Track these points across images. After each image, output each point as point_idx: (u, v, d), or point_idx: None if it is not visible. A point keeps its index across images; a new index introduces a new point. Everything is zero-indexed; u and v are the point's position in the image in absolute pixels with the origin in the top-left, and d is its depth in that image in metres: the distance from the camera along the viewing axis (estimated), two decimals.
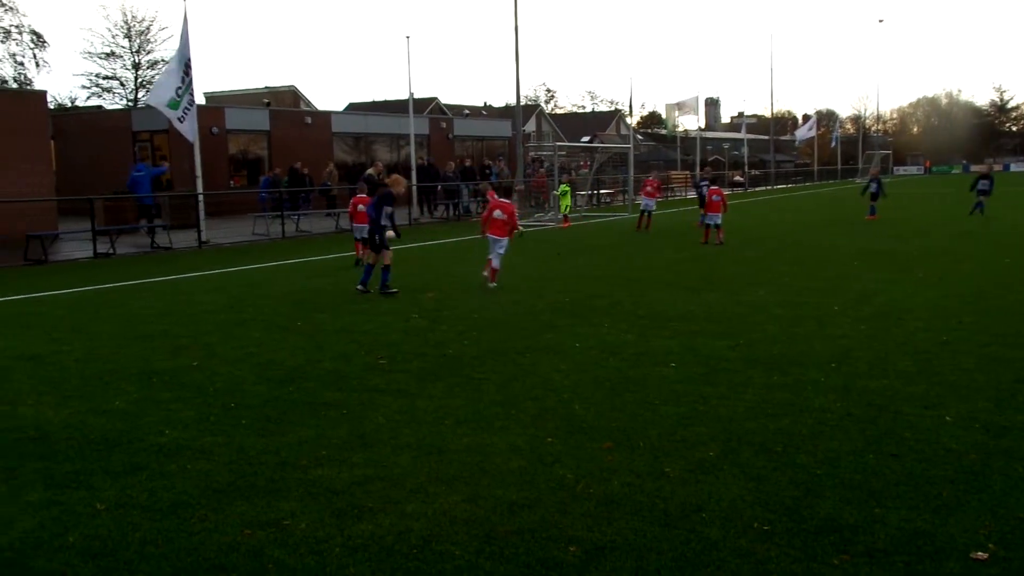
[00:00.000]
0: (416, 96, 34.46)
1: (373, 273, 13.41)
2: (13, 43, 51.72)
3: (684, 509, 4.92)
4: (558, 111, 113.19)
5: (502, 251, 14.01)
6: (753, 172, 66.91)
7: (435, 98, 75.66)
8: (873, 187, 28.48)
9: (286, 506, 5.05)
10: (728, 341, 9.32)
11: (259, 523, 4.83)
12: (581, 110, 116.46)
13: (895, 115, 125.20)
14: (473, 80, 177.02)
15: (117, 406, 7.25)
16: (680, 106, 59.02)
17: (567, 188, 28.59)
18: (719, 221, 20.88)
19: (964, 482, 5.26)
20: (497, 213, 14.10)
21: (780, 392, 7.30)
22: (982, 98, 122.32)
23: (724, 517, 4.81)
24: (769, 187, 63.99)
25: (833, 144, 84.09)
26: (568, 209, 28.42)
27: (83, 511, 5.04)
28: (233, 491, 5.30)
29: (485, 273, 14.02)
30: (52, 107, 38.94)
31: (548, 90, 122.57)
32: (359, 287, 13.28)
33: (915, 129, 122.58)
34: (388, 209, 13.30)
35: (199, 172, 23.36)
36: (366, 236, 17.85)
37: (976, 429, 6.25)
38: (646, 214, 25.19)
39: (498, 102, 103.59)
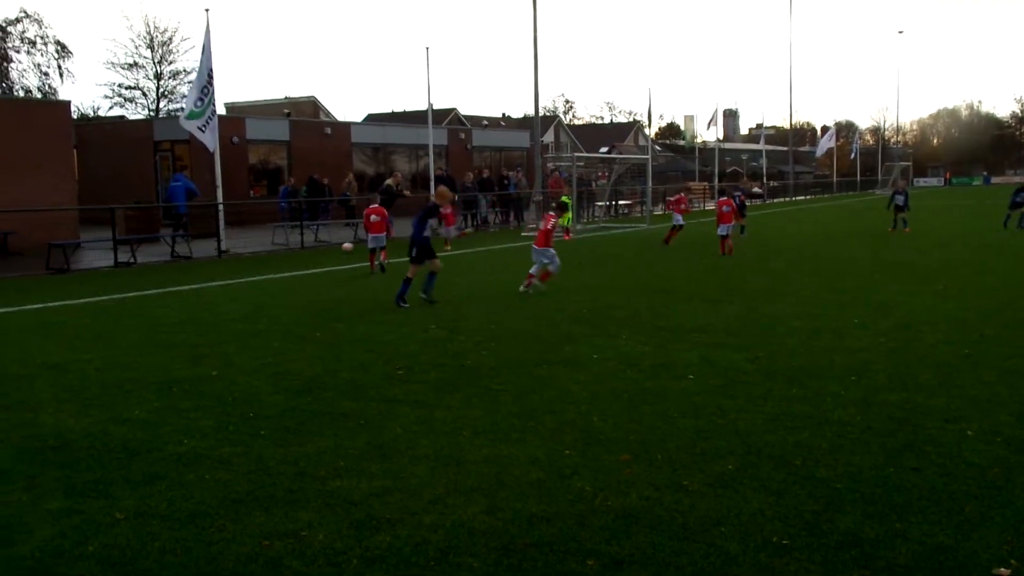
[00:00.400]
0: (435, 107, 34.56)
1: (412, 286, 13.18)
2: (39, 54, 52.23)
3: (703, 523, 4.90)
4: (576, 122, 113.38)
5: (546, 260, 14.23)
6: (772, 183, 66.72)
7: (454, 109, 76.00)
8: (900, 200, 28.10)
9: (304, 517, 5.05)
10: (747, 353, 9.28)
11: (277, 534, 4.84)
12: (599, 121, 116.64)
13: (915, 126, 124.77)
14: (492, 91, 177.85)
15: (137, 415, 7.29)
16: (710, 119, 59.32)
17: (568, 200, 28.20)
18: (728, 232, 21.03)
19: (987, 497, 5.21)
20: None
21: (799, 405, 7.26)
22: (1003, 109, 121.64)
23: (743, 531, 4.79)
24: (788, 198, 63.78)
25: (853, 156, 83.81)
26: (569, 222, 27.81)
27: (103, 520, 5.07)
28: (251, 501, 5.31)
29: (536, 282, 14.23)
30: (75, 117, 39.26)
31: (567, 101, 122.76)
32: (399, 301, 12.93)
33: (935, 140, 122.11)
34: (432, 222, 13.47)
35: (219, 182, 23.51)
36: (383, 246, 17.99)
37: (998, 443, 6.19)
38: (676, 228, 24.41)
39: (516, 113, 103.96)
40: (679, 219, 24.45)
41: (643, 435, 6.51)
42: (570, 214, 27.98)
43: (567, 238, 26.93)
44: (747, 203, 24.90)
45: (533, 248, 14.48)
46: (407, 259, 13.52)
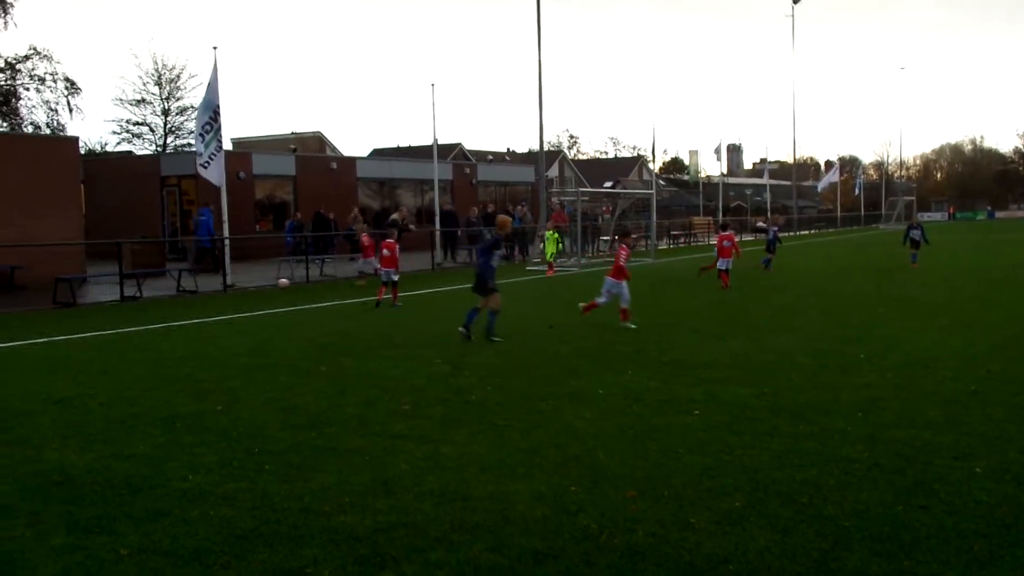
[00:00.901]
0: (440, 142, 34.75)
1: (478, 317, 13.18)
2: (48, 90, 52.57)
3: (710, 561, 4.86)
4: (581, 157, 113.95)
5: (616, 292, 14.43)
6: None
7: (459, 144, 76.32)
8: (916, 234, 27.50)
9: (309, 553, 5.03)
10: (753, 389, 9.26)
11: (282, 571, 4.81)
12: (604, 156, 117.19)
13: (918, 161, 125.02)
14: (496, 126, 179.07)
15: (141, 450, 7.27)
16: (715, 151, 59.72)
17: (553, 235, 27.56)
18: (727, 266, 21.07)
19: (996, 535, 5.17)
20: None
21: (806, 441, 7.22)
22: (1006, 144, 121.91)
23: (751, 569, 4.75)
24: (792, 233, 63.83)
25: (857, 192, 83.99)
26: (553, 256, 27.44)
27: (106, 556, 5.04)
28: (256, 538, 5.29)
29: (627, 323, 14.19)
30: (83, 152, 39.51)
31: (571, 136, 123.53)
32: (462, 329, 13.01)
33: (939, 175, 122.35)
34: (500, 252, 13.66)
35: (225, 217, 23.61)
36: (394, 280, 18.01)
37: (1008, 481, 6.15)
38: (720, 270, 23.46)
39: (521, 148, 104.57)
40: (727, 263, 22.12)
41: (649, 471, 6.49)
42: (553, 247, 27.57)
43: (549, 274, 26.53)
44: (779, 238, 25.40)
45: (607, 279, 14.60)
46: (473, 291, 13.54)
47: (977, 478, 6.22)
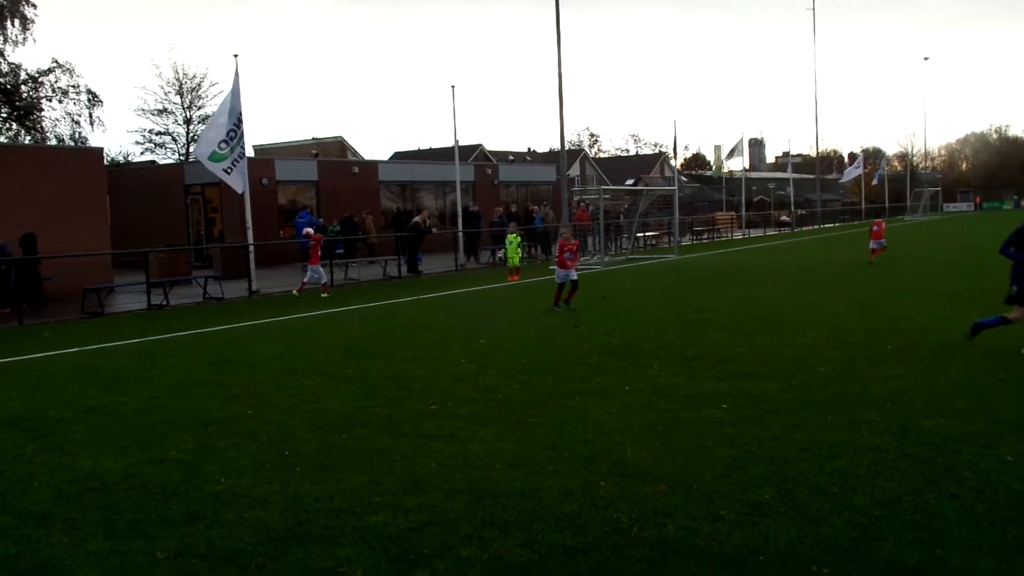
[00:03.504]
0: (461, 143, 34.85)
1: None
2: (70, 103, 53.12)
3: (741, 552, 4.88)
4: (602, 155, 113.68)
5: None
6: (800, 212, 66.46)
7: (480, 145, 76.49)
8: None
9: (342, 553, 5.08)
10: (780, 383, 9.24)
11: (316, 570, 4.87)
12: (625, 153, 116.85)
13: (943, 152, 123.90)
14: (517, 126, 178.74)
15: (174, 456, 7.36)
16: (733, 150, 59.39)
17: (516, 238, 25.61)
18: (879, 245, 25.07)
19: None
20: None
21: (834, 433, 7.21)
22: None
23: (782, 560, 4.76)
24: (816, 226, 63.50)
25: (876, 183, 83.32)
26: (517, 260, 25.51)
27: (144, 560, 5.12)
28: (289, 538, 5.35)
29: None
30: (107, 163, 39.91)
31: (592, 134, 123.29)
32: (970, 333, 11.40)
33: (964, 165, 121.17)
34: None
35: (249, 223, 23.78)
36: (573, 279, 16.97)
37: None
38: (878, 249, 25.93)
39: (542, 147, 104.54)
40: (880, 243, 25.99)
41: (678, 466, 6.50)
42: (515, 254, 25.56)
43: (513, 279, 24.81)
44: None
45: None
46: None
47: (1008, 466, 6.20)
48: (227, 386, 10.33)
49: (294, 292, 22.60)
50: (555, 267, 16.72)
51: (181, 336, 15.38)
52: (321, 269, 22.35)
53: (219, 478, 6.65)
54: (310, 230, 24.26)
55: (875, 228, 26.51)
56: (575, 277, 16.58)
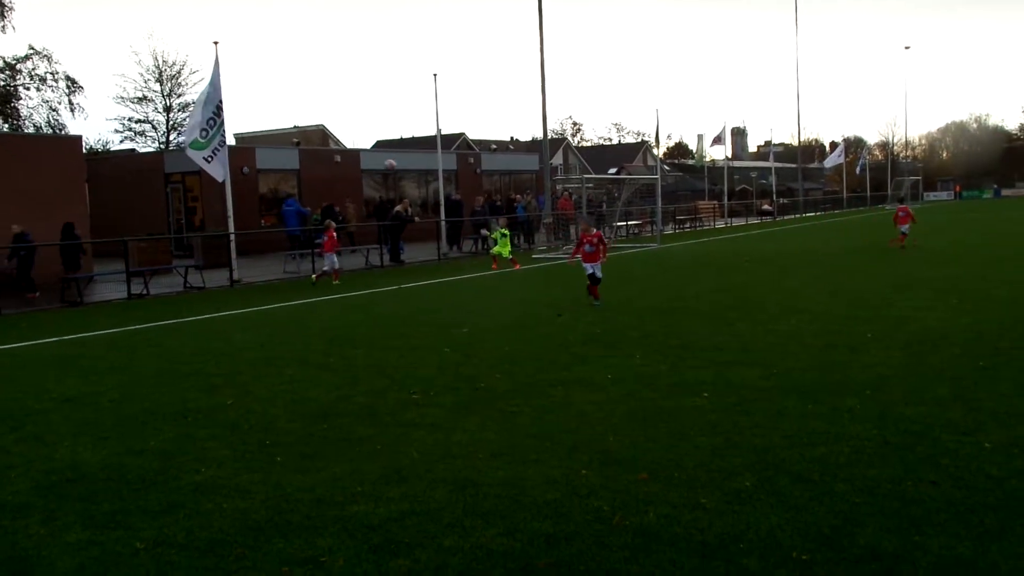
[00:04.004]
0: (444, 132, 34.74)
1: None
2: (48, 90, 52.65)
3: (722, 540, 4.89)
4: (585, 144, 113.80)
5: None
6: (782, 200, 66.65)
7: (462, 134, 76.34)
8: None
9: (323, 543, 5.06)
10: (761, 370, 9.27)
11: (297, 560, 4.84)
12: (608, 142, 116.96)
13: (923, 141, 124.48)
14: (500, 115, 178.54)
15: (153, 446, 7.32)
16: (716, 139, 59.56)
17: (504, 232, 25.66)
18: (906, 230, 25.97)
19: (1006, 508, 5.19)
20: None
21: (815, 421, 7.24)
22: (1012, 121, 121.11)
23: (763, 547, 4.77)
24: (798, 215, 63.72)
25: (859, 171, 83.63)
26: (507, 254, 25.29)
27: (123, 551, 5.08)
28: (270, 528, 5.32)
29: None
30: (86, 151, 39.59)
31: (574, 123, 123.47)
32: None
33: (944, 154, 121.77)
34: None
35: (230, 212, 23.65)
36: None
37: (1016, 455, 6.16)
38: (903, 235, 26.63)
39: (525, 136, 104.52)
40: (904, 228, 26.75)
41: (660, 454, 6.51)
42: (506, 245, 25.57)
43: (495, 268, 24.79)
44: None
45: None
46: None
47: (986, 453, 6.24)
48: (207, 375, 10.28)
49: (312, 278, 22.71)
50: (577, 257, 15.97)
51: (161, 325, 15.29)
52: (334, 257, 22.49)
53: (199, 468, 6.61)
54: (331, 222, 24.40)
55: (901, 214, 27.35)
56: (597, 273, 15.51)
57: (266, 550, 5.00)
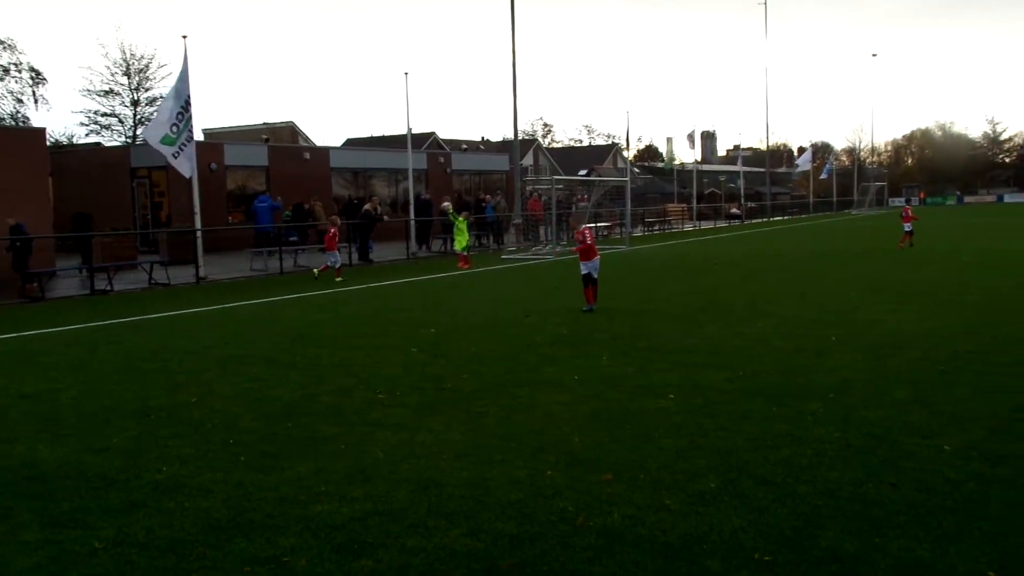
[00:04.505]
0: (414, 131, 34.61)
1: None
2: (12, 80, 51.95)
3: (685, 541, 4.91)
4: (555, 145, 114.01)
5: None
6: (750, 204, 67.14)
7: (433, 133, 76.09)
8: None
9: (285, 542, 5.02)
10: (728, 373, 9.32)
11: (259, 560, 4.80)
12: (578, 144, 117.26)
13: (889, 147, 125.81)
14: (471, 115, 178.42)
15: (114, 444, 7.23)
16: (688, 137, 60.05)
17: (464, 222, 25.74)
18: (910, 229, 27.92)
19: (964, 511, 5.25)
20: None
21: (779, 423, 7.29)
22: (975, 130, 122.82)
23: (725, 549, 4.80)
24: (766, 219, 64.20)
25: (824, 176, 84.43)
26: (466, 248, 25.70)
27: (81, 550, 5.01)
28: (232, 528, 5.28)
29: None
30: (50, 144, 39.06)
31: (545, 124, 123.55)
32: None
33: (909, 161, 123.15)
34: None
35: (197, 208, 23.43)
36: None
37: (974, 458, 6.24)
38: (907, 234, 28.34)
39: (496, 136, 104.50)
40: (907, 226, 28.53)
41: (625, 455, 6.52)
42: (466, 237, 25.93)
43: (463, 267, 24.87)
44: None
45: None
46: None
47: (945, 456, 6.31)
48: (171, 373, 10.17)
49: (314, 272, 22.86)
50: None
51: (124, 322, 15.12)
52: (337, 254, 22.83)
53: (160, 467, 6.54)
54: (336, 218, 24.65)
55: (903, 214, 29.49)
56: (590, 272, 14.80)
57: (228, 549, 4.95)
